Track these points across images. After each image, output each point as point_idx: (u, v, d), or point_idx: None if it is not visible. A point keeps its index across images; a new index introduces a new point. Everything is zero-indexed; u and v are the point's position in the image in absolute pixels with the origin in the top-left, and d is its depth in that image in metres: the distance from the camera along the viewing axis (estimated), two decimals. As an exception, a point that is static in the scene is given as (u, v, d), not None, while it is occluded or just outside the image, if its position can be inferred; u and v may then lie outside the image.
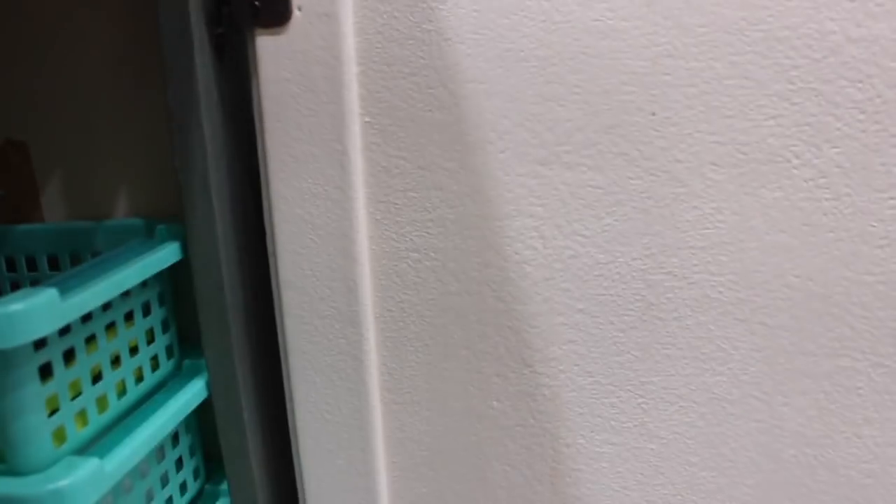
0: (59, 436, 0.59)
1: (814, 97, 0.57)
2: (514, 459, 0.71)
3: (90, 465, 0.57)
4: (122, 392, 0.67)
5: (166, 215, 0.79)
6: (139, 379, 0.69)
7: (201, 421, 0.78)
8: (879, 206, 0.58)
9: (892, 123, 0.57)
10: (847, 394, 0.63)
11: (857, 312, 0.61)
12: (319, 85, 0.63)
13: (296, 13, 0.62)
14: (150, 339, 0.71)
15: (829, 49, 0.56)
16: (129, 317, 0.68)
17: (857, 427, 0.63)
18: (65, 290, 0.56)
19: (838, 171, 0.58)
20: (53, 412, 0.58)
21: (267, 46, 0.63)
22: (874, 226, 0.59)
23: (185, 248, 0.70)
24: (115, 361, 0.66)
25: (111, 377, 0.65)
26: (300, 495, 0.78)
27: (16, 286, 0.80)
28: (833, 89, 0.57)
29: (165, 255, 0.68)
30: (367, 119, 0.65)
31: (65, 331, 0.59)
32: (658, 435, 0.67)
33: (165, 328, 0.74)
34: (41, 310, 0.53)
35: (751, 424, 0.65)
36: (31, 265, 0.80)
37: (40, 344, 0.56)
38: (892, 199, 0.58)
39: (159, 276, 0.71)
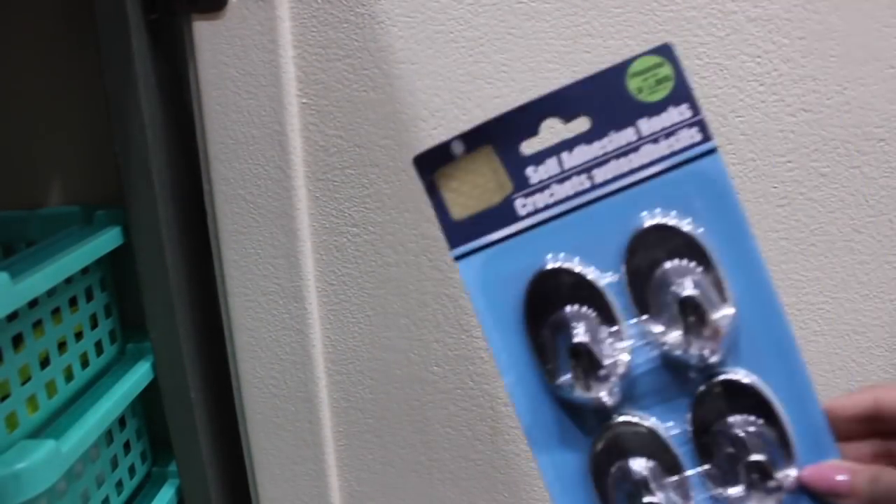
0: (11, 421, 0.60)
1: (719, 71, 0.63)
2: (455, 421, 0.75)
3: (46, 447, 0.58)
4: (69, 377, 0.68)
5: (103, 201, 0.79)
6: (85, 364, 0.70)
7: (146, 405, 0.79)
8: (779, 169, 0.64)
9: (787, 94, 0.63)
10: (756, 341, 0.69)
11: (763, 266, 0.67)
12: (257, 68, 0.65)
13: (230, -2, 0.64)
14: (94, 325, 0.72)
15: (731, 28, 0.62)
16: (73, 302, 0.68)
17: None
18: (13, 274, 0.56)
19: (743, 138, 0.64)
20: (5, 398, 0.59)
21: (204, 31, 0.65)
22: (776, 187, 0.65)
23: (125, 233, 0.71)
24: (62, 346, 0.67)
25: (59, 362, 0.66)
26: (249, 471, 0.80)
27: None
28: (736, 64, 0.63)
29: (107, 240, 0.69)
30: (304, 101, 0.67)
31: (12, 316, 0.60)
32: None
33: (108, 313, 0.74)
34: (-8, 295, 0.54)
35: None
36: (-39, 257, 0.79)
37: (-11, 329, 0.57)
38: (790, 162, 0.64)
39: (100, 262, 0.72)
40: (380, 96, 0.66)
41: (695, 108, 0.40)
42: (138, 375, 0.72)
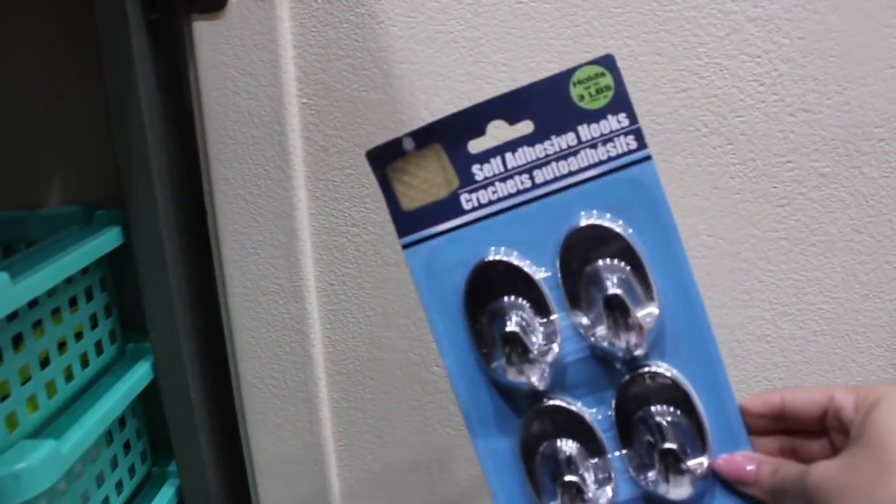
0: (11, 421, 0.60)
1: (719, 71, 0.63)
2: (455, 421, 0.75)
3: (46, 447, 0.58)
4: (69, 377, 0.68)
5: (103, 201, 0.79)
6: (85, 364, 0.70)
7: (146, 405, 0.79)
8: (779, 168, 0.64)
9: (787, 94, 0.63)
10: (757, 341, 0.69)
11: (764, 266, 0.67)
12: (257, 68, 0.65)
13: (230, -2, 0.64)
14: (94, 325, 0.72)
15: (731, 27, 0.62)
16: (73, 302, 0.68)
17: (767, 371, 0.70)
18: (13, 274, 0.56)
19: (743, 138, 0.64)
20: (5, 398, 0.59)
21: (204, 31, 0.65)
22: (776, 187, 0.65)
23: (125, 233, 0.71)
24: (62, 346, 0.67)
25: (58, 362, 0.66)
26: (249, 471, 0.80)
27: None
28: (736, 64, 0.63)
29: (107, 240, 0.69)
30: (304, 100, 0.67)
31: (12, 316, 0.60)
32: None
33: (108, 313, 0.74)
34: (-7, 294, 0.54)
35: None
36: (-39, 257, 0.79)
37: (-11, 329, 0.57)
38: (790, 162, 0.64)
39: (100, 262, 0.72)
40: (380, 96, 0.66)
41: (632, 117, 0.42)
42: (138, 375, 0.72)
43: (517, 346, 0.42)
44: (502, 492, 0.44)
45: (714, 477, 0.43)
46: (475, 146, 0.42)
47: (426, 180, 0.43)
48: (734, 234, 0.66)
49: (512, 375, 0.42)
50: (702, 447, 0.43)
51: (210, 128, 0.67)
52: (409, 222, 0.43)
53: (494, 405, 0.44)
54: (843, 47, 0.61)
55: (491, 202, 0.43)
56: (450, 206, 0.43)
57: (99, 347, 0.73)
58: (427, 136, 0.43)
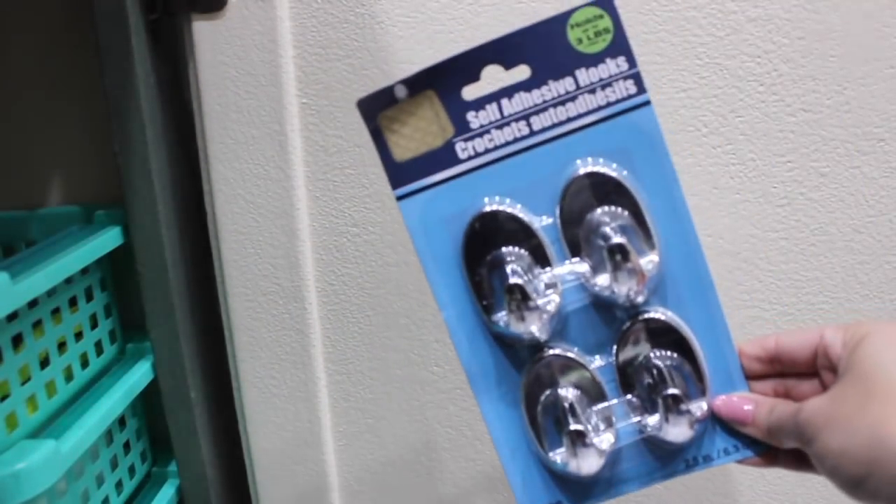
0: (11, 421, 0.60)
1: (719, 71, 0.63)
2: (455, 421, 0.75)
3: (46, 447, 0.58)
4: (69, 377, 0.68)
5: (103, 201, 0.79)
6: (85, 364, 0.70)
7: (146, 405, 0.79)
8: (780, 168, 0.64)
9: (787, 94, 0.63)
10: (756, 341, 0.69)
11: (764, 266, 0.67)
12: (257, 68, 0.65)
13: (230, -2, 0.64)
14: (94, 325, 0.72)
15: (731, 27, 0.62)
16: (72, 302, 0.68)
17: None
18: (13, 274, 0.56)
19: (743, 138, 0.64)
20: (5, 397, 0.59)
21: (204, 31, 0.65)
22: (776, 187, 0.65)
23: (125, 233, 0.71)
24: (62, 347, 0.67)
25: (58, 362, 0.66)
26: (249, 470, 0.80)
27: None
28: (735, 64, 0.63)
29: (107, 240, 0.69)
30: (304, 101, 0.67)
31: (12, 316, 0.60)
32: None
33: (108, 313, 0.74)
34: (-8, 295, 0.54)
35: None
36: (-39, 257, 0.79)
37: (-11, 330, 0.57)
38: (790, 162, 0.64)
39: (100, 262, 0.72)
40: (380, 96, 0.66)
41: (631, 61, 0.41)
42: (138, 375, 0.72)
43: (519, 297, 0.41)
44: (507, 444, 0.44)
45: (713, 419, 0.44)
46: (470, 93, 0.41)
47: (420, 129, 0.42)
48: (734, 234, 0.66)
49: (514, 326, 0.42)
50: (701, 391, 0.43)
51: (210, 128, 0.67)
52: (402, 173, 0.42)
53: (495, 357, 0.44)
54: (843, 47, 0.61)
55: (487, 150, 0.42)
56: (445, 156, 0.42)
57: (99, 347, 0.73)
58: (420, 82, 0.42)
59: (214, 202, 0.70)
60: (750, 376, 0.44)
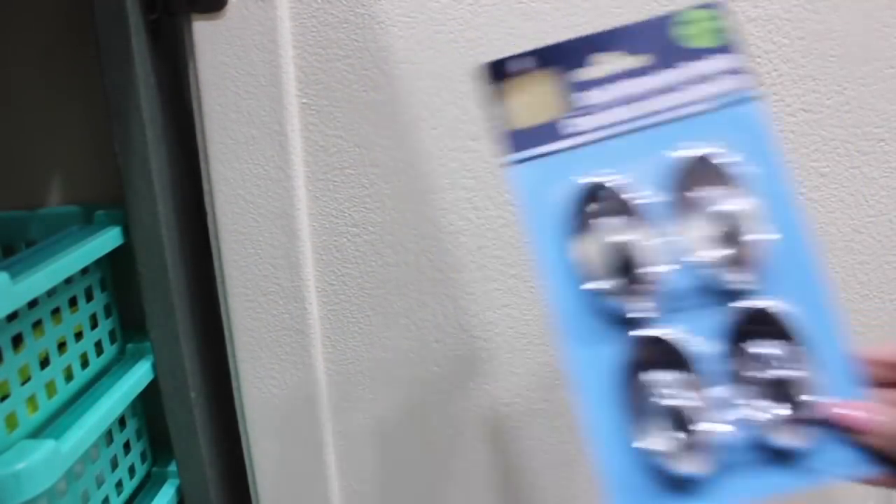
0: (11, 421, 0.60)
1: (719, 71, 0.63)
2: (455, 421, 0.75)
3: (46, 447, 0.58)
4: (69, 377, 0.68)
5: (103, 201, 0.79)
6: (85, 364, 0.70)
7: (146, 405, 0.79)
8: (779, 168, 0.64)
9: (787, 94, 0.63)
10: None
11: (763, 266, 0.67)
12: (257, 68, 0.65)
13: (231, -2, 0.64)
14: (94, 325, 0.72)
15: (731, 26, 0.62)
16: (72, 302, 0.68)
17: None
18: (13, 274, 0.56)
19: (742, 137, 0.64)
20: (4, 398, 0.59)
21: (204, 31, 0.65)
22: (775, 187, 0.65)
23: (125, 233, 0.71)
24: (62, 347, 0.67)
25: (58, 362, 0.66)
26: (249, 471, 0.80)
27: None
28: (736, 63, 0.62)
29: (107, 240, 0.69)
30: (304, 101, 0.67)
31: (12, 316, 0.60)
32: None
33: (108, 313, 0.74)
34: (-8, 295, 0.54)
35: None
36: (-39, 258, 0.79)
37: (-11, 330, 0.57)
38: (790, 162, 0.64)
39: (100, 262, 0.72)
40: (380, 96, 0.66)
41: (744, 58, 0.43)
42: (138, 375, 0.72)
43: (625, 272, 0.42)
44: (596, 422, 0.42)
45: (825, 423, 0.40)
46: (586, 74, 0.43)
47: (537, 101, 0.44)
48: (734, 234, 0.66)
49: (618, 301, 0.42)
50: (813, 391, 0.41)
51: (210, 128, 0.67)
52: (516, 140, 0.44)
53: (593, 329, 0.43)
54: (843, 47, 0.61)
55: (601, 127, 0.44)
56: (557, 129, 0.44)
57: (99, 347, 0.73)
58: (544, 58, 0.44)
59: (214, 202, 0.70)
60: (872, 384, 0.41)
